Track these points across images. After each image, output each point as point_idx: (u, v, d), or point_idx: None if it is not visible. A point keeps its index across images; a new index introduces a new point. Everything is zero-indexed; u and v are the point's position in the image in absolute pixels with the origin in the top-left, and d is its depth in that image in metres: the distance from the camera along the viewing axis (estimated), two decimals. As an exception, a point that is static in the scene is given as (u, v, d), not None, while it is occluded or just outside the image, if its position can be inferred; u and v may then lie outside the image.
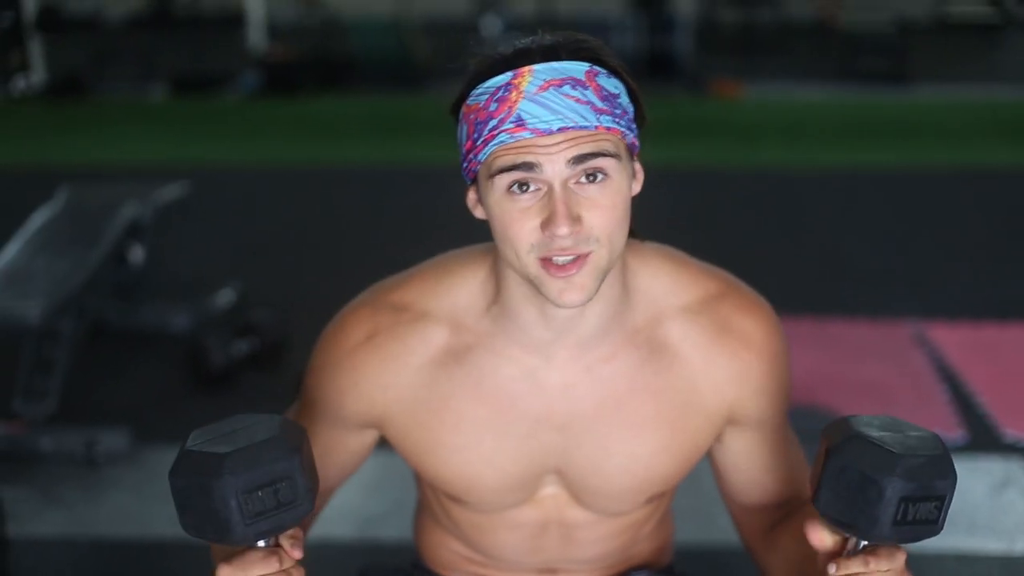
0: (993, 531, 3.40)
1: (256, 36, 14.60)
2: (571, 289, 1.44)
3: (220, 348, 4.57)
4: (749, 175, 8.82)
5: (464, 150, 1.47)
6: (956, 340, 4.94)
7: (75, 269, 4.23)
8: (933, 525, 1.36)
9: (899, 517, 1.33)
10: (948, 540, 3.32)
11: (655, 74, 12.66)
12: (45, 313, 3.92)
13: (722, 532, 2.94)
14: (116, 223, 4.61)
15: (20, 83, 13.74)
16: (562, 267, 1.43)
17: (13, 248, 4.31)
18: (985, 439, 3.98)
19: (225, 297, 5.26)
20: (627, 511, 1.74)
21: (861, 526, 1.35)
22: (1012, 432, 4.03)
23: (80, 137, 10.77)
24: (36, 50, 13.98)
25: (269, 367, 4.70)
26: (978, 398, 4.31)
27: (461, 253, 1.68)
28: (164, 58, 14.37)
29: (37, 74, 13.92)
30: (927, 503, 1.34)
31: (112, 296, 4.89)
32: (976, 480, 3.66)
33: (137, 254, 4.84)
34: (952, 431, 3.97)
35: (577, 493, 1.70)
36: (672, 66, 13.19)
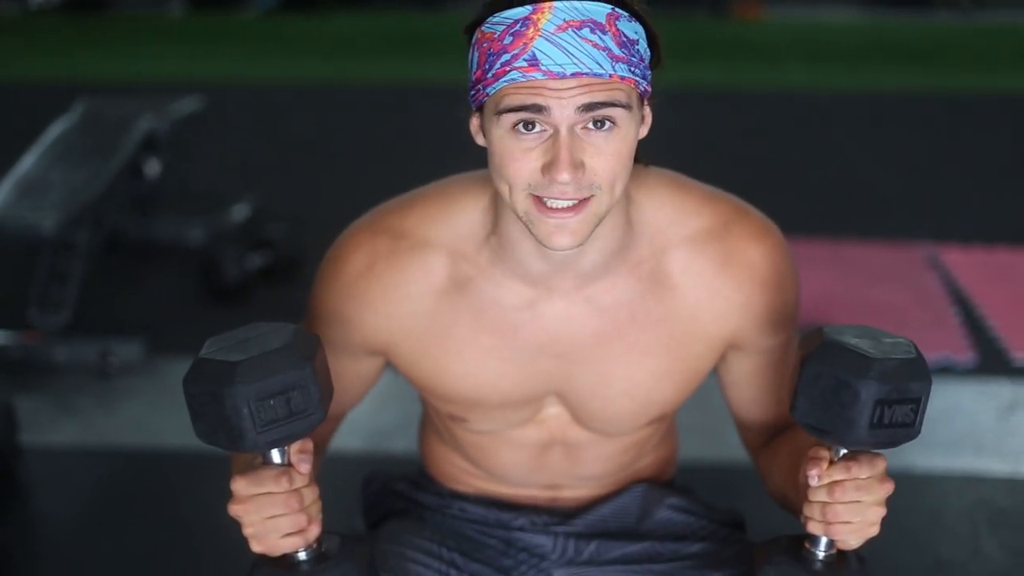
0: (999, 453, 3.41)
1: (275, -49, 14.52)
2: (563, 233, 1.43)
3: (234, 261, 4.59)
4: (770, 97, 8.78)
5: (474, 78, 1.45)
6: (969, 264, 4.94)
7: (91, 181, 4.23)
8: (910, 428, 1.37)
9: (875, 420, 1.34)
10: (955, 461, 3.34)
11: (676, -6, 12.58)
12: (60, 224, 3.94)
13: (729, 449, 2.96)
14: (132, 135, 4.61)
15: (38, -4, 13.72)
16: (558, 210, 1.41)
17: (29, 159, 4.32)
18: (995, 362, 3.99)
19: (240, 211, 5.27)
20: (627, 433, 1.75)
21: (838, 431, 1.36)
22: (1022, 356, 4.04)
23: (97, 52, 10.76)
24: (54, -37, 13.95)
25: (283, 281, 4.72)
26: (989, 321, 4.31)
27: (465, 179, 1.67)
28: (182, -28, 14.31)
29: (55, -13, 13.89)
30: (903, 406, 1.34)
31: (128, 208, 4.90)
32: (984, 402, 3.67)
33: (153, 167, 4.85)
34: (962, 353, 3.97)
35: (578, 415, 1.71)
36: (693, -14, 13.10)
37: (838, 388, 1.34)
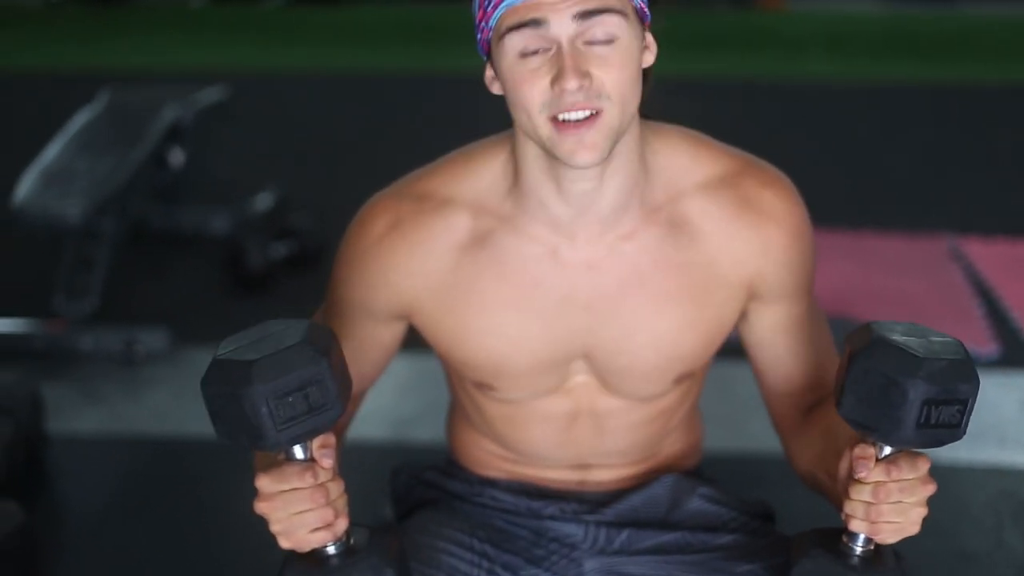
0: (1023, 445, 3.41)
1: (297, -59, 14.50)
2: (582, 149, 1.45)
3: (258, 251, 4.60)
4: (793, 87, 8.74)
5: (476, 21, 1.49)
6: (992, 256, 4.92)
7: (116, 170, 4.25)
8: (956, 429, 1.37)
9: (922, 420, 1.34)
10: (978, 453, 3.33)
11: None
12: (86, 213, 3.96)
13: (752, 440, 2.97)
14: (157, 125, 4.62)
15: (62, -14, 13.72)
16: (573, 124, 1.44)
17: (54, 149, 4.33)
18: (1018, 354, 3.97)
19: (264, 201, 5.28)
20: (656, 393, 1.74)
21: (884, 430, 1.36)
22: (1046, 348, 4.03)
23: (121, 42, 10.77)
24: (77, -47, 13.94)
25: (307, 270, 4.74)
26: (1012, 313, 4.29)
27: (483, 141, 1.69)
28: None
29: (79, -23, 13.88)
30: (950, 407, 1.34)
31: (152, 198, 4.92)
32: (1008, 394, 3.65)
33: (177, 156, 4.86)
34: (985, 345, 3.96)
35: (605, 376, 1.71)
36: (716, -23, 13.05)
37: (886, 386, 1.34)
